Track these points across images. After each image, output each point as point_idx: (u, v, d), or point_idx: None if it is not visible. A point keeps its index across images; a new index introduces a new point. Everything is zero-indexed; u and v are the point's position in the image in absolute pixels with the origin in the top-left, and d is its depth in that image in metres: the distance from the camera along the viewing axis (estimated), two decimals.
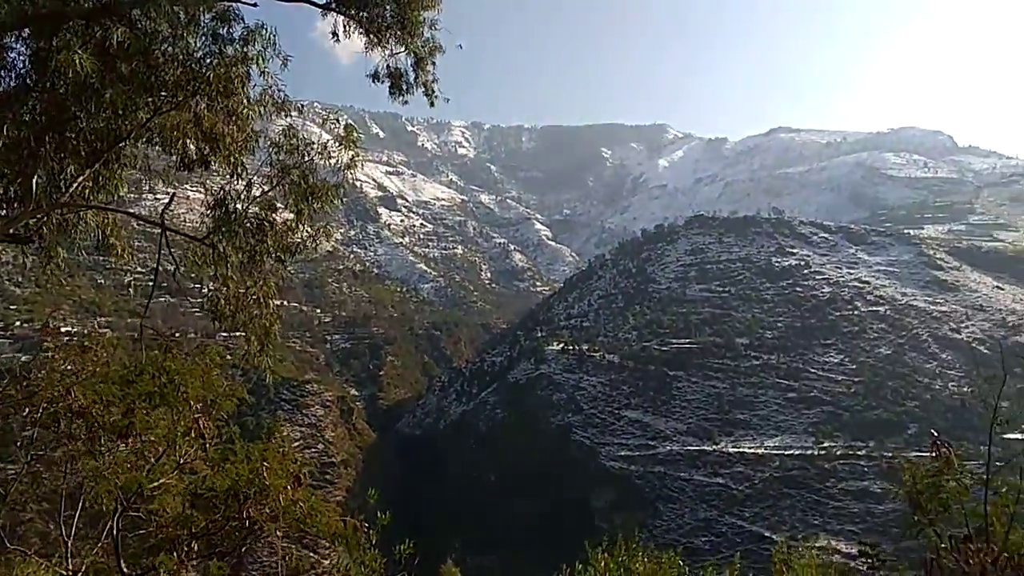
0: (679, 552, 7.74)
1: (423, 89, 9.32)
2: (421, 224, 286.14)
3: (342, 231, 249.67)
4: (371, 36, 9.13)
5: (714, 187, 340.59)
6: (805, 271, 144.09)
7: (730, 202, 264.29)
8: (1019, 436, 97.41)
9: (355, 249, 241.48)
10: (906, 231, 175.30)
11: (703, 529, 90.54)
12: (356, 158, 8.19)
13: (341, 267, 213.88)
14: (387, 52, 9.20)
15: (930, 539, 4.66)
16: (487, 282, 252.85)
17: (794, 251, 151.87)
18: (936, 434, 4.73)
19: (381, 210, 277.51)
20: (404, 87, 9.48)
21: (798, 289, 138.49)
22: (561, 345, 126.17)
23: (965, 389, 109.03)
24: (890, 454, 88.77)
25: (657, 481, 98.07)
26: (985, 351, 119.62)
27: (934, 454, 4.73)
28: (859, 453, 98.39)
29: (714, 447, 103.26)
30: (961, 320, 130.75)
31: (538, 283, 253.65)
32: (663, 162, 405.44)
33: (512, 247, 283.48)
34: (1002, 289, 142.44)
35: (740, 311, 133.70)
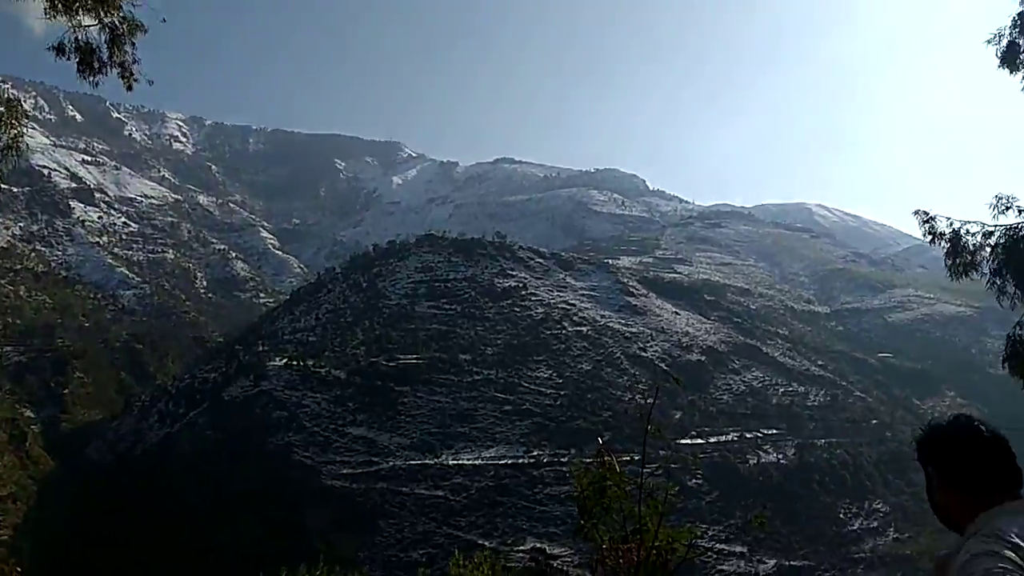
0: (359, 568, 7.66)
1: (119, 70, 8.27)
2: (124, 223, 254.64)
3: (21, 225, 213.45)
4: (56, 3, 7.92)
5: (445, 208, 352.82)
6: (523, 292, 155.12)
7: (459, 224, 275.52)
8: (688, 441, 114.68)
9: (38, 247, 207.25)
10: (606, 260, 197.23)
11: (422, 542, 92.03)
12: (19, 138, 6.95)
13: (18, 267, 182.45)
14: (75, 23, 8.03)
15: (595, 541, 5.18)
16: (202, 291, 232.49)
17: (514, 274, 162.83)
18: (601, 441, 5.29)
19: (74, 204, 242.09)
20: (96, 66, 8.32)
21: (516, 309, 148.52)
22: (285, 360, 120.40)
23: (649, 400, 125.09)
24: (589, 459, 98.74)
25: (379, 497, 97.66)
26: (665, 367, 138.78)
27: (598, 461, 5.29)
28: (563, 460, 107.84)
29: (436, 460, 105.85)
30: (647, 340, 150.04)
31: (262, 294, 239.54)
32: (397, 179, 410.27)
33: (233, 254, 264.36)
34: (679, 314, 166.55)
35: (464, 328, 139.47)
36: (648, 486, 4.99)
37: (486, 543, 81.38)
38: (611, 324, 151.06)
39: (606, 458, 5.15)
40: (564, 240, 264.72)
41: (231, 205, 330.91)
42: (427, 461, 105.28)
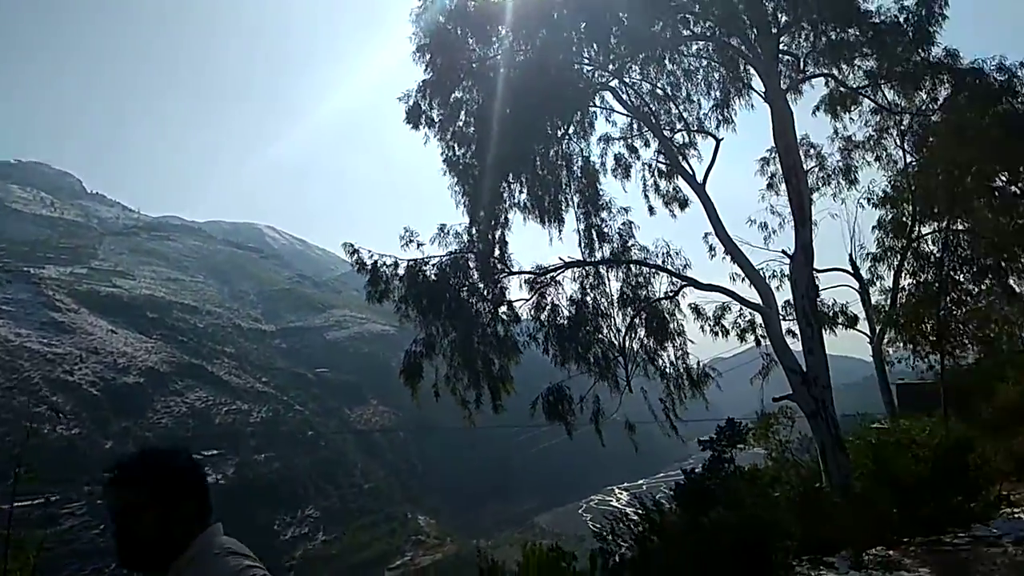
0: None
1: None
2: None
3: None
4: None
5: None
6: None
7: None
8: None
9: None
10: (26, 269, 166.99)
11: None
12: None
13: None
14: None
15: None
16: None
17: None
18: None
19: None
20: None
21: None
22: None
23: (75, 431, 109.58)
24: None
25: None
26: (96, 392, 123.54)
27: None
28: None
29: None
30: (75, 362, 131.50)
31: None
32: None
33: None
34: (116, 332, 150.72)
35: None
36: (18, 539, 4.42)
37: None
38: (29, 344, 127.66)
39: None
40: None
41: None
42: None
